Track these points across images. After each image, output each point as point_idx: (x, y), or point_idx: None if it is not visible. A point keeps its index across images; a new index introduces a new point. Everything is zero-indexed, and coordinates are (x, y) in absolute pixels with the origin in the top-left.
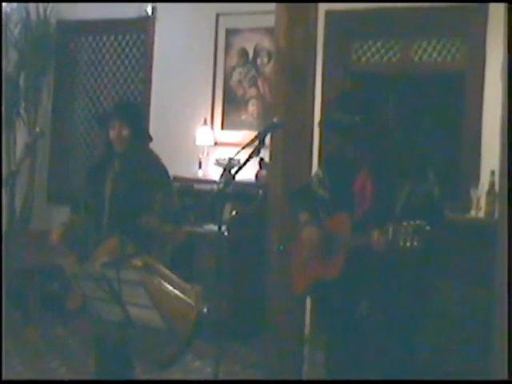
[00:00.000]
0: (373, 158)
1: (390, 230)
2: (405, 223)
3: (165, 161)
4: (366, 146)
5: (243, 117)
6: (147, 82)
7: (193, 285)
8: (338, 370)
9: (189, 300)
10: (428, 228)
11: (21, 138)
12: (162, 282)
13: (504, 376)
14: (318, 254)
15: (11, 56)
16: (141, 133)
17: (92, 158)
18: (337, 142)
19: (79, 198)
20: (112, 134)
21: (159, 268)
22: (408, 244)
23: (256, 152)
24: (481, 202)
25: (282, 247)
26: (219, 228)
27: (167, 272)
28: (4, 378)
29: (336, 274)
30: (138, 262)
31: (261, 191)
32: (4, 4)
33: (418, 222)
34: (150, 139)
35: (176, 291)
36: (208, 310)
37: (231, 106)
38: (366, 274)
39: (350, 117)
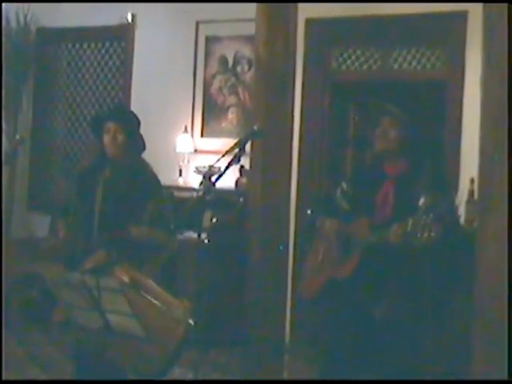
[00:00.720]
0: (402, 165)
1: (410, 222)
2: (424, 216)
3: None
4: (402, 145)
5: (223, 124)
6: (127, 90)
7: (182, 300)
8: (338, 371)
9: (176, 314)
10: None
11: (0, 145)
12: (148, 296)
13: (504, 376)
14: (335, 253)
15: None
16: (135, 139)
17: (74, 164)
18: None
19: (68, 204)
20: (106, 138)
21: (146, 283)
22: (426, 235)
23: (236, 159)
24: (460, 209)
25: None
26: (199, 235)
27: (154, 287)
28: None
29: (348, 273)
30: (124, 278)
31: (241, 199)
32: None
33: (437, 213)
34: (144, 147)
35: (162, 305)
36: (195, 322)
37: (211, 114)
38: (379, 275)
39: (401, 111)
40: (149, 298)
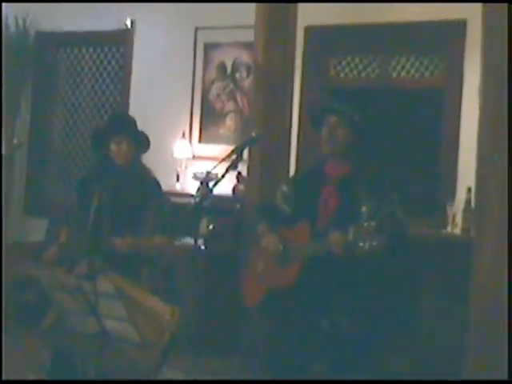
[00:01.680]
0: (348, 166)
1: (351, 230)
2: (366, 224)
3: None
4: (350, 146)
5: (221, 130)
6: (125, 95)
7: (172, 306)
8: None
9: (162, 322)
10: (388, 228)
11: (0, 150)
12: (134, 303)
13: (504, 376)
14: (276, 262)
15: None
16: (143, 145)
17: (72, 169)
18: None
19: (71, 210)
20: (115, 147)
21: (131, 291)
22: (367, 243)
23: (233, 166)
24: (457, 218)
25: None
26: (195, 242)
27: (140, 294)
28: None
29: (289, 283)
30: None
31: (238, 205)
32: None
33: (379, 220)
34: (148, 146)
35: (148, 312)
36: (187, 329)
37: (209, 120)
38: (322, 284)
39: (349, 108)
40: (135, 305)
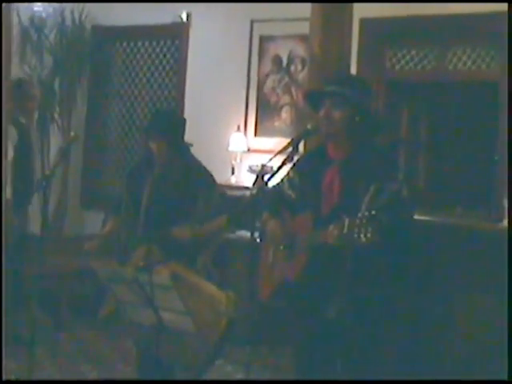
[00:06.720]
0: (350, 145)
1: (346, 222)
2: (360, 215)
3: None
4: (349, 127)
5: (276, 123)
6: (181, 88)
7: (226, 291)
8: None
9: (218, 307)
10: (384, 219)
11: (55, 142)
12: (192, 288)
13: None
14: (283, 254)
15: (46, 61)
16: (179, 145)
17: (127, 162)
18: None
19: (120, 200)
20: (152, 146)
21: (187, 276)
22: (362, 236)
23: (289, 159)
24: None
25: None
26: (252, 234)
27: (197, 280)
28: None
29: (298, 275)
30: (164, 272)
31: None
32: (40, 9)
33: (372, 212)
34: (190, 145)
35: (204, 298)
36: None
37: (265, 113)
38: (329, 274)
39: (344, 89)
40: (193, 290)
